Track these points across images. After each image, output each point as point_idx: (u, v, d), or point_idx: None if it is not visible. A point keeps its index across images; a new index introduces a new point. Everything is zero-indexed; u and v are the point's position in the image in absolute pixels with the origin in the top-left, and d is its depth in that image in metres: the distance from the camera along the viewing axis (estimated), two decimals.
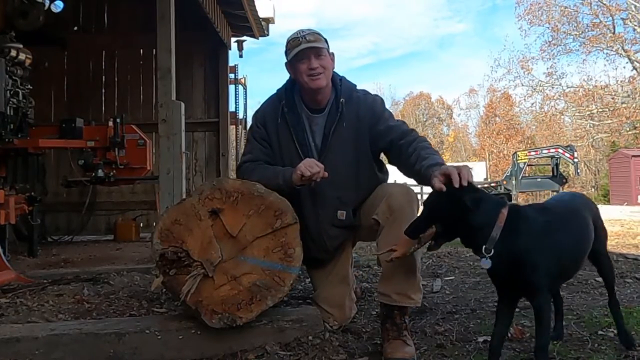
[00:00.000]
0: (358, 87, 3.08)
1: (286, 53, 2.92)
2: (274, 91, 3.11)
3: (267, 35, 9.91)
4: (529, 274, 2.27)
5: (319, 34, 2.90)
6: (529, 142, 42.55)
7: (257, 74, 66.01)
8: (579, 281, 4.14)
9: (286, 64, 2.97)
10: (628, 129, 33.26)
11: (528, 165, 24.60)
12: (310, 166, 2.72)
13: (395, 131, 2.90)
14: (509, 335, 2.78)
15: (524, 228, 2.30)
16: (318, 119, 2.97)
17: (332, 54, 2.97)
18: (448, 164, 2.53)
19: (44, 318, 3.24)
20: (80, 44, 9.16)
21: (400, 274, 2.72)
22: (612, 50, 32.31)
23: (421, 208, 2.52)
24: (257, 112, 3.12)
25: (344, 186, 2.93)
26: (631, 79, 32.23)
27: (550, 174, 23.60)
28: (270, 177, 2.84)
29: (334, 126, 2.91)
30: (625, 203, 22.11)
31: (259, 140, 3.01)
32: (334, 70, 3.01)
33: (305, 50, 2.84)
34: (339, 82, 2.98)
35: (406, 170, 2.81)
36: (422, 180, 2.60)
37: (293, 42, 2.86)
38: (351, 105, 2.94)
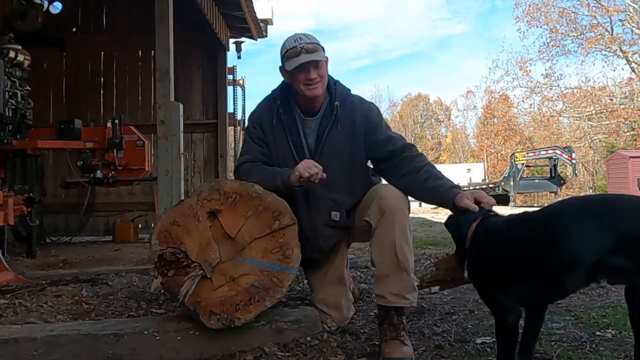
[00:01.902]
0: (354, 92, 3.09)
1: (283, 59, 2.90)
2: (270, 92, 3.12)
3: (266, 36, 9.95)
4: (481, 288, 2.30)
5: (316, 42, 2.88)
6: (527, 143, 42.62)
7: (256, 75, 65.98)
8: None
9: (281, 68, 2.95)
10: (626, 130, 33.35)
11: (526, 166, 24.68)
12: (309, 167, 2.72)
13: (396, 143, 2.95)
14: None
15: (477, 242, 2.29)
16: (311, 122, 2.97)
17: (327, 58, 2.96)
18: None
19: (43, 319, 3.24)
20: (78, 46, 9.18)
21: (394, 274, 2.73)
22: (610, 52, 32.40)
23: (412, 209, 2.59)
24: (252, 112, 3.13)
25: (338, 188, 2.93)
26: (629, 80, 32.30)
27: (549, 175, 23.66)
28: (268, 178, 2.84)
29: (328, 129, 2.92)
30: None
31: (255, 140, 3.02)
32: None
33: (305, 64, 2.82)
34: (333, 86, 2.98)
35: (410, 184, 2.86)
36: (436, 197, 2.76)
37: (292, 52, 2.83)
38: (346, 109, 2.95)
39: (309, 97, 2.90)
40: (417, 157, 2.91)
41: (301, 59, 2.81)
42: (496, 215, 2.41)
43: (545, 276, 2.11)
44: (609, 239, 1.98)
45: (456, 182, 2.83)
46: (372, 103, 3.12)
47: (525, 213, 2.35)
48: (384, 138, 2.96)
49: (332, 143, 2.92)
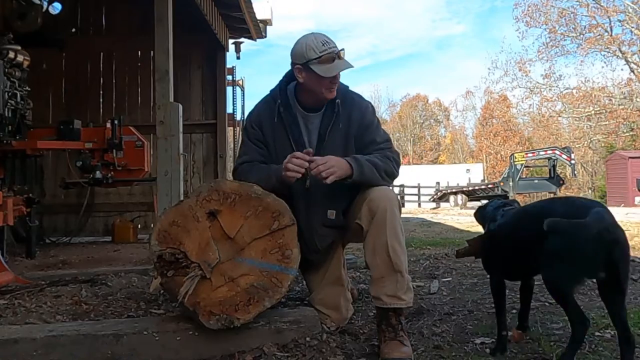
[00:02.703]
0: (353, 90, 3.09)
1: (310, 62, 2.81)
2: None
3: (265, 37, 9.96)
4: (482, 259, 2.99)
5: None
6: (527, 143, 42.67)
7: (255, 76, 66.10)
8: None
9: (298, 67, 2.88)
10: (625, 131, 33.37)
11: (525, 166, 24.68)
12: (292, 167, 2.71)
13: (374, 146, 2.97)
14: (507, 337, 2.80)
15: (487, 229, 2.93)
16: (314, 118, 2.97)
17: None
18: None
19: (42, 319, 3.24)
20: (78, 46, 9.16)
21: (389, 276, 2.74)
22: (609, 52, 32.42)
23: (403, 209, 2.66)
24: (251, 113, 3.10)
25: (335, 186, 2.93)
26: (628, 81, 32.32)
27: (548, 175, 23.66)
28: (264, 178, 2.83)
29: (330, 126, 2.92)
30: (622, 205, 22.16)
31: (254, 141, 3.00)
32: None
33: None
34: None
35: None
36: None
37: (326, 57, 2.79)
38: (346, 105, 2.96)
39: (327, 99, 2.91)
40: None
41: (338, 66, 2.82)
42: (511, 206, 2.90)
43: (507, 259, 2.72)
44: (539, 236, 2.34)
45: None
46: (369, 102, 3.13)
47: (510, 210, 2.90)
48: (368, 141, 2.98)
49: (332, 141, 2.93)
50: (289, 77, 3.05)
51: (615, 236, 2.25)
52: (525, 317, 2.90)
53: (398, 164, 2.99)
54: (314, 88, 2.89)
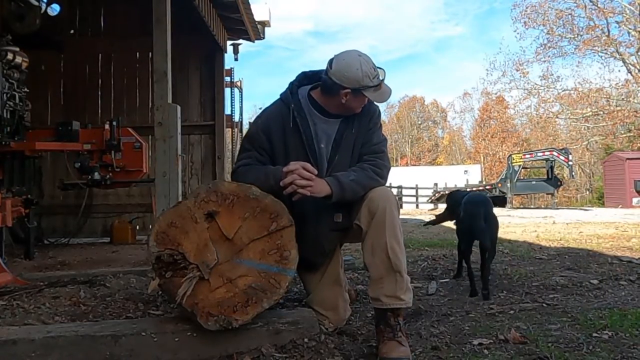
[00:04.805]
0: None
1: (366, 88, 2.84)
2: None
3: (263, 38, 9.97)
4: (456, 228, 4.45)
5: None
6: (524, 144, 42.68)
7: (253, 77, 66.20)
8: (573, 283, 4.16)
9: (347, 91, 2.85)
10: (622, 132, 33.40)
11: (523, 168, 24.66)
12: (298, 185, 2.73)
13: (369, 148, 3.00)
14: (505, 338, 2.81)
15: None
16: (334, 123, 2.97)
17: None
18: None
19: (41, 320, 3.24)
20: (76, 47, 9.19)
21: (388, 276, 2.74)
22: (606, 53, 32.44)
23: (401, 210, 2.67)
24: (259, 118, 3.07)
25: None
26: (626, 82, 32.33)
27: (545, 176, 23.66)
28: (262, 179, 2.83)
29: (346, 132, 2.95)
30: (620, 205, 22.22)
31: (257, 147, 2.97)
32: None
33: None
34: None
35: None
36: None
37: (377, 82, 2.86)
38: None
39: (356, 113, 2.97)
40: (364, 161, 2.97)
41: (387, 91, 2.92)
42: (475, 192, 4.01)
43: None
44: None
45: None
46: (377, 106, 3.14)
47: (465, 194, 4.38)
48: (365, 140, 3.00)
49: (345, 145, 2.96)
50: (300, 82, 3.06)
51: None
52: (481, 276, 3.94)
53: (388, 170, 3.00)
54: (354, 106, 2.92)
